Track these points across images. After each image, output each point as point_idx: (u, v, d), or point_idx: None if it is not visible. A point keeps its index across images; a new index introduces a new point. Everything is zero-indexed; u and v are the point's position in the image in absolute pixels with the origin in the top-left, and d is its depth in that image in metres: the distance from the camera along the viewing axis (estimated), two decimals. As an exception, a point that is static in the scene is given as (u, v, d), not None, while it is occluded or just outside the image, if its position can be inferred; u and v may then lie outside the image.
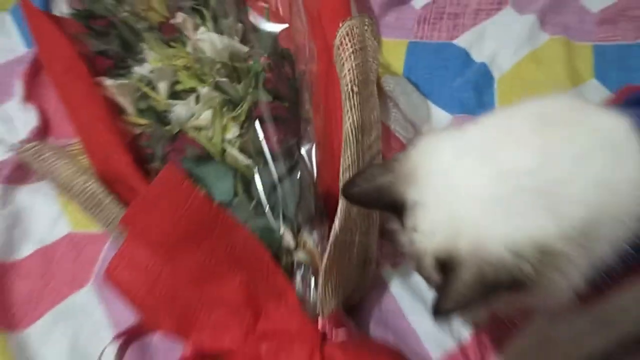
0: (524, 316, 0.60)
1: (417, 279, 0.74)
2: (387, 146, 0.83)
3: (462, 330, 0.70)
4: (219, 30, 0.93)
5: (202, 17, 0.97)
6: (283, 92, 0.85)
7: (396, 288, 0.75)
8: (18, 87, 1.00)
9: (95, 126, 0.80)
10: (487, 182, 0.46)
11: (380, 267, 0.76)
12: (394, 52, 0.97)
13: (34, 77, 1.03)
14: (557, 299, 0.48)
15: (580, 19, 0.96)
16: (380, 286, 0.76)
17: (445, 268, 0.46)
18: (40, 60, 1.03)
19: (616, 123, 0.49)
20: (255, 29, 0.95)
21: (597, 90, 0.87)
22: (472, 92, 0.90)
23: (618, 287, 0.49)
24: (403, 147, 0.84)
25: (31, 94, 1.00)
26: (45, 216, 0.87)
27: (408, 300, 0.74)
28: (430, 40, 0.99)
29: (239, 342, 0.66)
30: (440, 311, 0.45)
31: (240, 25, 0.95)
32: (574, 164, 0.46)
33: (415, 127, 0.88)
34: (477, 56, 0.95)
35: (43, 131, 0.96)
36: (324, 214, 0.73)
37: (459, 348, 0.70)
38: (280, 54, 0.90)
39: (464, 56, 0.95)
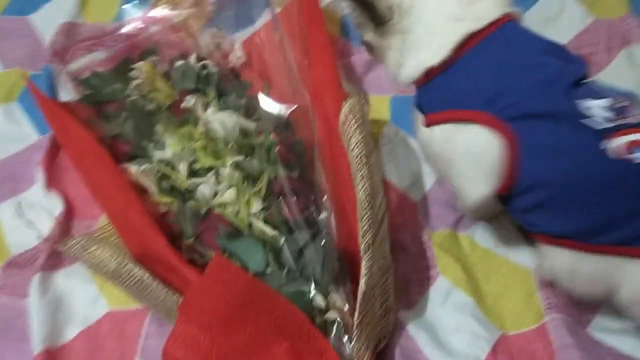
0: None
1: (431, 318, 0.85)
2: (386, 195, 0.94)
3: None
4: (223, 107, 1.00)
5: (206, 94, 1.04)
6: (294, 162, 0.92)
7: (413, 328, 0.84)
8: (39, 174, 1.06)
9: (128, 213, 0.86)
10: None
11: (398, 312, 0.85)
12: (379, 108, 1.07)
13: (52, 163, 1.09)
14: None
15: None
16: (399, 329, 0.84)
17: None
18: (56, 146, 1.10)
19: None
20: (258, 104, 1.01)
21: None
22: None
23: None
24: (400, 196, 0.97)
25: (51, 180, 1.06)
26: (85, 298, 0.92)
27: (424, 339, 0.82)
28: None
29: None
30: None
31: (243, 101, 1.02)
32: None
33: (410, 176, 1.00)
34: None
35: (68, 215, 1.01)
36: (347, 273, 0.80)
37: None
38: (285, 126, 0.97)
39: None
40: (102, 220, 1.00)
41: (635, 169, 0.66)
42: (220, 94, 1.04)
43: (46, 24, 1.31)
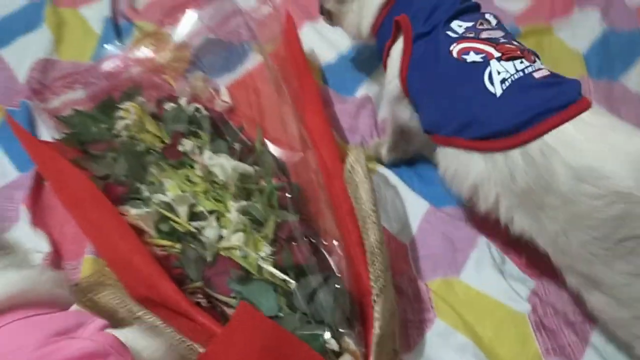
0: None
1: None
2: None
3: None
4: (216, 150, 1.01)
5: (197, 136, 1.05)
6: (294, 206, 0.93)
7: None
8: (22, 213, 1.02)
9: (133, 259, 0.85)
10: None
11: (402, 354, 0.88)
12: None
13: (36, 202, 1.05)
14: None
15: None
16: None
17: None
18: (39, 185, 1.07)
19: None
20: (251, 148, 1.05)
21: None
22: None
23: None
24: (390, 238, 1.00)
25: (36, 220, 1.02)
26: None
27: None
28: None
29: None
30: None
31: (237, 145, 1.04)
32: None
33: (399, 221, 1.04)
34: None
35: (55, 256, 0.97)
36: (357, 315, 0.82)
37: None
38: (282, 170, 1.00)
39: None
40: (87, 259, 0.96)
41: (463, 66, 0.84)
42: (212, 137, 1.05)
43: (19, 59, 1.28)
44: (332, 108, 1.21)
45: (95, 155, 1.05)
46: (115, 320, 0.79)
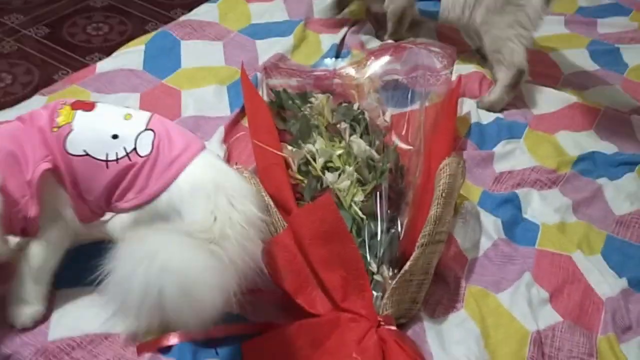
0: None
1: (444, 328, 1.14)
2: (448, 245, 1.26)
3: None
4: (364, 140, 1.39)
5: (354, 129, 1.43)
6: (395, 184, 1.31)
7: (428, 326, 1.14)
8: (219, 134, 1.50)
9: (275, 170, 1.28)
10: None
11: (423, 312, 1.16)
12: (472, 193, 1.44)
13: (230, 130, 1.53)
14: None
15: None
16: (418, 321, 1.14)
17: None
18: (236, 121, 1.57)
19: None
20: (387, 147, 1.43)
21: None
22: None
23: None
24: (458, 250, 1.29)
25: (225, 139, 1.50)
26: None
27: (432, 335, 1.12)
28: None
29: (327, 309, 1.05)
30: None
31: (377, 142, 1.42)
32: None
33: (472, 241, 1.31)
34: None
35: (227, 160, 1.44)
36: (400, 261, 1.13)
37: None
38: (399, 168, 1.38)
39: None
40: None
41: None
42: (363, 132, 1.43)
43: (265, 49, 1.82)
44: (461, 152, 1.53)
45: (283, 117, 1.49)
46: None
